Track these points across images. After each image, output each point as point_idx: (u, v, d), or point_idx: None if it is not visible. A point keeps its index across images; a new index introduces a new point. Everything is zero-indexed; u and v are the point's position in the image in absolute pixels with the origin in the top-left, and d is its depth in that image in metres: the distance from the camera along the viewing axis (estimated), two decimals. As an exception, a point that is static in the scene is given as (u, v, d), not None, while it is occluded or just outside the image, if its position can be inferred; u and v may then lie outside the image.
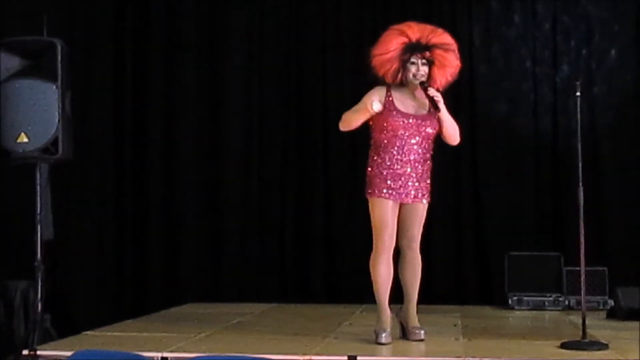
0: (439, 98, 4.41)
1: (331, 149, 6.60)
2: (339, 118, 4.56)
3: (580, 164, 4.39)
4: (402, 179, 4.45)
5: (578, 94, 4.48)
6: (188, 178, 6.75)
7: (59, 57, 5.39)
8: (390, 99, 4.48)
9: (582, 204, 4.38)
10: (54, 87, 5.38)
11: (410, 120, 4.45)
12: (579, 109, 4.48)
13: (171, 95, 6.79)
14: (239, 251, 6.67)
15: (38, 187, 5.53)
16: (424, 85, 4.43)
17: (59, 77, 5.39)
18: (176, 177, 6.76)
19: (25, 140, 5.36)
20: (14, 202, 6.11)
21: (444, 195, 6.50)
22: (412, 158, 4.45)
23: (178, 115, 6.78)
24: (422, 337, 4.51)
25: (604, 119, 6.44)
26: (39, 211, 5.52)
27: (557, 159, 6.48)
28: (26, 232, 5.64)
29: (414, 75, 4.45)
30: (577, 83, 4.53)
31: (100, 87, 6.68)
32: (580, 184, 4.38)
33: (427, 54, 4.44)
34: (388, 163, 4.45)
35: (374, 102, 4.36)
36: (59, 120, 5.36)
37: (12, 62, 5.46)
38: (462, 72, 6.44)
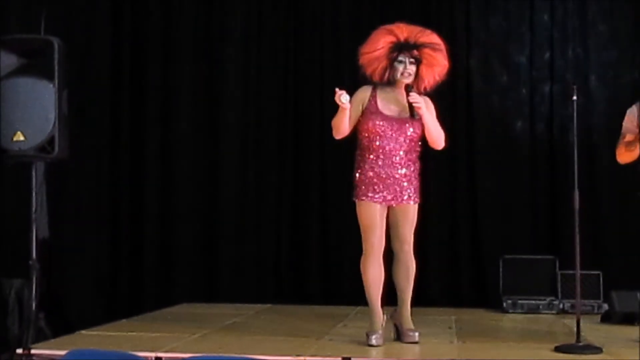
0: (419, 105, 4.39)
1: (328, 150, 6.59)
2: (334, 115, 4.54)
3: (576, 168, 4.40)
4: (388, 181, 4.44)
5: (575, 98, 4.49)
6: (184, 178, 6.74)
7: (56, 56, 5.39)
8: (374, 100, 4.48)
9: (577, 207, 4.39)
10: (51, 85, 5.38)
11: (394, 122, 4.43)
12: (575, 113, 4.48)
13: (168, 94, 6.79)
14: (234, 251, 6.66)
15: (34, 185, 5.53)
16: (408, 89, 4.41)
17: (56, 76, 5.38)
18: (172, 176, 6.75)
19: (22, 138, 5.35)
20: (10, 201, 6.11)
21: (440, 197, 6.52)
22: (397, 160, 4.44)
23: (175, 114, 6.78)
24: (416, 339, 4.51)
25: (600, 122, 6.45)
26: (34, 210, 5.51)
27: (553, 163, 6.49)
28: (21, 231, 5.63)
29: (402, 74, 4.44)
30: (574, 87, 4.54)
31: (97, 86, 6.67)
32: (576, 187, 4.39)
33: (415, 52, 4.44)
34: (373, 166, 4.45)
35: (342, 94, 4.31)
36: (55, 119, 5.36)
37: (9, 61, 5.46)
38: (459, 75, 6.54)
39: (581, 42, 6.55)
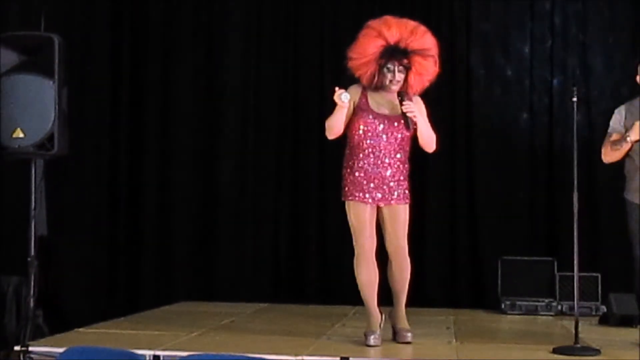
0: (413, 114, 4.34)
1: (326, 150, 6.58)
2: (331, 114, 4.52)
3: (575, 170, 4.39)
4: (377, 181, 4.42)
5: (574, 99, 4.48)
6: (183, 176, 6.74)
7: (56, 53, 5.38)
8: (365, 99, 4.45)
9: (576, 209, 4.39)
10: (51, 82, 5.37)
11: (384, 121, 4.40)
12: (575, 115, 4.48)
13: (168, 92, 6.79)
14: (232, 250, 6.66)
15: (33, 182, 5.52)
16: (401, 97, 4.35)
17: (56, 73, 5.38)
18: (171, 175, 6.75)
19: (21, 135, 5.35)
20: (8, 198, 6.10)
21: (438, 198, 6.52)
22: (386, 160, 4.41)
23: (174, 113, 6.78)
24: (409, 339, 4.50)
25: (599, 124, 6.43)
26: (33, 207, 5.50)
27: (552, 164, 6.49)
28: (20, 228, 5.63)
29: (390, 81, 4.39)
30: (574, 89, 4.53)
31: (97, 83, 6.67)
32: (575, 189, 4.39)
33: (405, 60, 4.36)
34: (362, 165, 4.43)
35: (342, 93, 4.28)
36: (55, 116, 5.35)
37: (9, 57, 5.45)
38: (458, 76, 6.54)
39: (581, 45, 6.53)
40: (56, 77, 5.38)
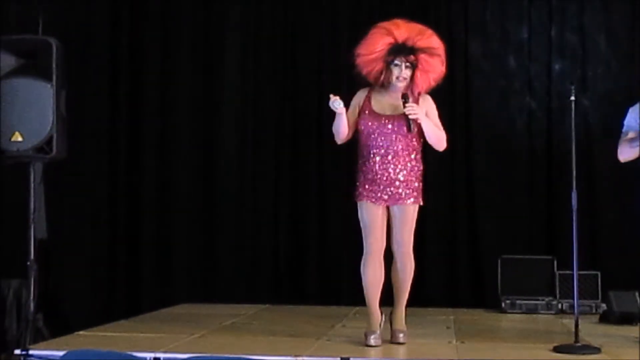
0: (416, 117, 4.34)
1: (326, 150, 6.59)
2: (333, 120, 4.54)
3: (574, 168, 4.40)
4: (386, 181, 4.43)
5: (572, 98, 4.49)
6: (182, 178, 6.73)
7: (54, 56, 5.40)
8: (368, 101, 4.48)
9: (575, 208, 4.39)
10: (49, 86, 5.38)
11: (389, 124, 4.41)
12: (573, 113, 4.49)
13: (167, 95, 6.78)
14: (232, 251, 6.66)
15: (32, 186, 5.53)
16: (404, 100, 4.36)
17: (54, 76, 5.39)
18: (170, 177, 6.75)
19: (20, 139, 5.36)
20: (8, 201, 6.10)
21: (438, 198, 6.51)
22: (395, 161, 4.42)
23: (173, 115, 6.77)
24: (401, 340, 4.50)
25: (598, 122, 6.45)
26: (32, 210, 5.51)
27: (551, 163, 6.49)
28: (19, 231, 5.63)
29: (397, 78, 4.40)
30: (572, 87, 4.54)
31: (95, 87, 6.66)
32: (574, 188, 4.39)
33: (412, 57, 4.39)
34: (371, 167, 4.44)
35: (334, 100, 4.32)
36: (53, 119, 5.37)
37: (8, 61, 5.46)
38: (457, 74, 6.53)
39: (580, 44, 6.52)
40: (54, 80, 5.39)
